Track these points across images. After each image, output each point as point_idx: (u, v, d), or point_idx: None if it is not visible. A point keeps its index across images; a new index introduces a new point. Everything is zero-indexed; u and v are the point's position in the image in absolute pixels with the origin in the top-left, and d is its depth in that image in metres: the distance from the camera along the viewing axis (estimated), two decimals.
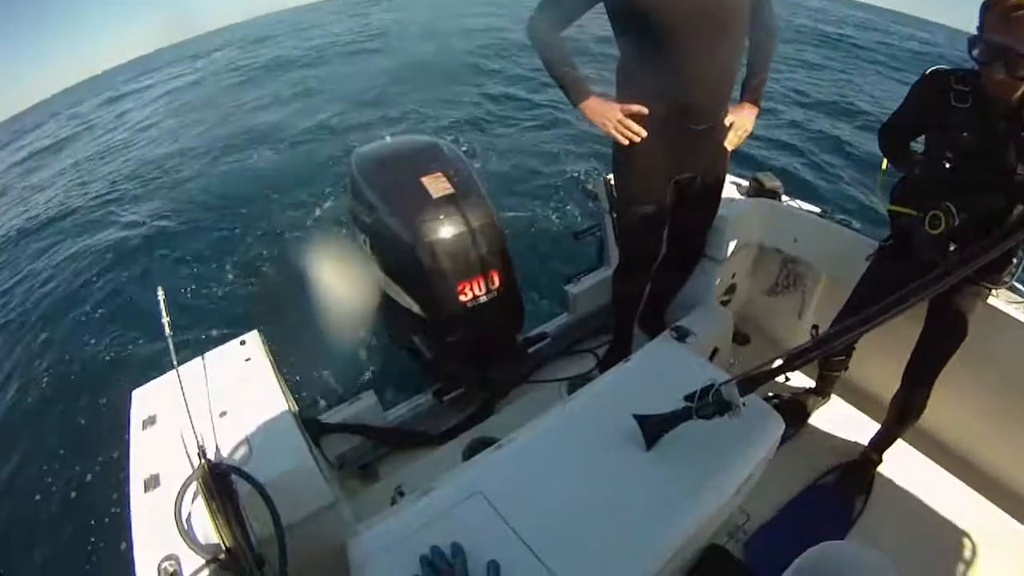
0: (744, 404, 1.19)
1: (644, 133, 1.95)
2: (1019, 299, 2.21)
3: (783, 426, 1.44)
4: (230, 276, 5.37)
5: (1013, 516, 2.16)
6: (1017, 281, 2.10)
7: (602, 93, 1.98)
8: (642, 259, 2.33)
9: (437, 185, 2.21)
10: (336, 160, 7.31)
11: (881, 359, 2.15)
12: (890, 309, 1.22)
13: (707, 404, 1.22)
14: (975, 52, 1.72)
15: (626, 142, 1.97)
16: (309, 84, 13.93)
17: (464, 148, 7.86)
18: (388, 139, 2.61)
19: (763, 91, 2.14)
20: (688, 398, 1.25)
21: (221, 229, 6.33)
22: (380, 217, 2.22)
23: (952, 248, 1.80)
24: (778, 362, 1.26)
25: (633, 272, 2.38)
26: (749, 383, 1.23)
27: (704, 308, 2.52)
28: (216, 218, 6.70)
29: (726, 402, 1.19)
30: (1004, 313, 2.14)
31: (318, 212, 6.19)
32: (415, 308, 2.24)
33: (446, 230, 2.14)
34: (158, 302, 1.56)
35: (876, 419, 2.31)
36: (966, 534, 2.08)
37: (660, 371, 1.46)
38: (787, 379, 2.58)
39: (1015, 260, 2.00)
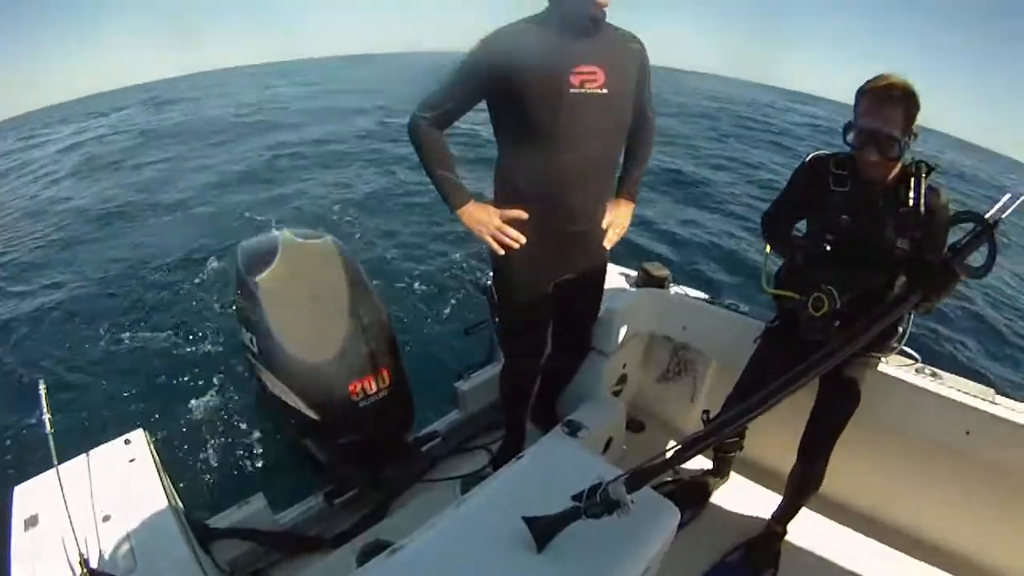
0: (632, 502, 1.17)
1: (523, 239, 1.96)
2: (909, 361, 2.32)
3: (678, 515, 1.42)
4: (117, 368, 5.03)
5: (925, 561, 2.28)
6: (907, 344, 2.23)
7: (480, 196, 2.00)
8: (526, 358, 2.32)
9: None
10: (221, 249, 7.10)
11: (777, 433, 2.20)
12: (777, 393, 1.24)
13: (595, 504, 1.19)
14: (849, 138, 1.87)
15: (502, 251, 1.97)
16: (204, 155, 13.71)
17: (356, 234, 7.89)
18: (275, 232, 2.54)
19: (638, 188, 2.21)
20: (576, 497, 1.22)
21: (112, 312, 6.01)
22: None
23: (837, 326, 1.86)
24: (670, 453, 1.26)
25: (519, 370, 2.37)
26: (639, 477, 1.22)
27: (595, 400, 2.54)
28: (106, 298, 6.37)
29: (614, 501, 1.17)
30: (894, 378, 2.25)
31: (216, 305, 5.96)
32: (305, 410, 2.14)
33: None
34: (39, 397, 1.51)
35: (777, 492, 2.33)
36: None
37: (551, 469, 1.44)
38: (676, 471, 2.58)
39: (900, 329, 2.14)
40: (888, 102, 1.81)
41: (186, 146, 15.11)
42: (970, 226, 1.50)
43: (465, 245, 7.05)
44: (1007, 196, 1.62)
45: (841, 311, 1.84)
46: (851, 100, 1.92)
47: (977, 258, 1.49)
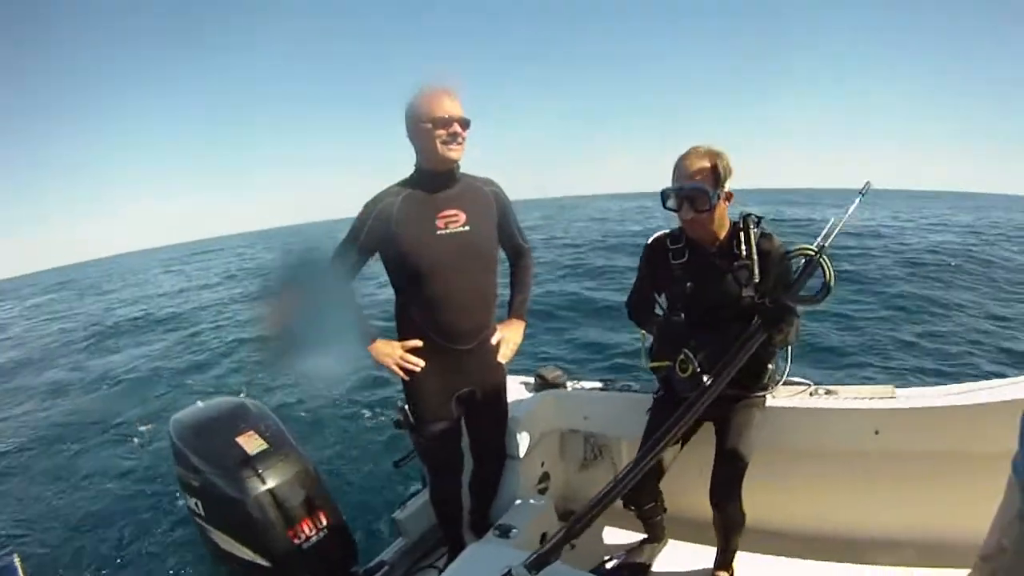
0: None
1: (422, 363, 2.25)
2: (801, 388, 2.52)
3: None
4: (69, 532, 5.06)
5: (871, 564, 2.38)
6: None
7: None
8: (446, 472, 2.53)
9: (251, 443, 2.36)
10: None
11: (695, 486, 2.28)
12: (650, 451, 1.44)
13: None
14: (668, 204, 2.12)
15: (407, 377, 2.27)
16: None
17: (276, 388, 7.96)
18: (200, 403, 2.73)
19: (526, 307, 2.53)
20: None
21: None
22: (207, 479, 2.32)
23: (708, 381, 1.95)
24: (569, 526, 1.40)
25: (442, 485, 2.57)
26: (542, 558, 1.33)
27: (521, 502, 2.67)
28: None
29: None
30: (791, 408, 2.44)
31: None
32: (258, 559, 2.28)
33: (268, 483, 2.27)
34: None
35: (713, 542, 2.40)
36: None
37: (477, 571, 1.54)
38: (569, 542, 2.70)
39: (771, 366, 2.29)
40: (695, 161, 2.08)
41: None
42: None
43: (378, 384, 7.28)
44: (829, 224, 1.90)
45: (708, 365, 1.95)
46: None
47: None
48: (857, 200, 1.96)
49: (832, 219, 1.92)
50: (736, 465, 2.18)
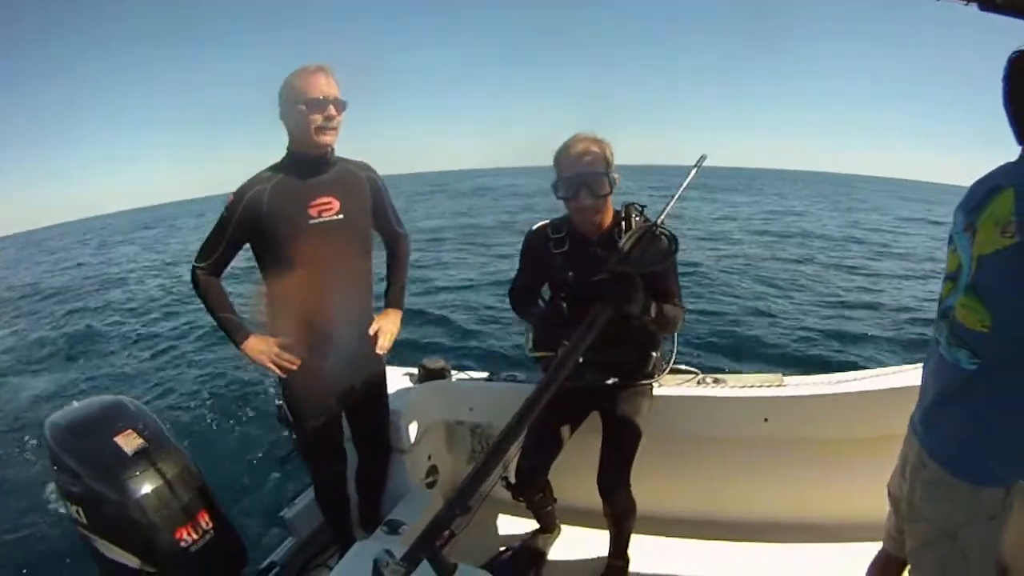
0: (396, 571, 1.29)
1: (298, 361, 2.21)
2: (688, 377, 2.61)
3: None
4: None
5: (762, 541, 2.53)
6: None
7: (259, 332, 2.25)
8: (329, 467, 2.49)
9: (130, 442, 2.22)
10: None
11: (589, 475, 2.29)
12: (514, 428, 1.45)
13: None
14: (560, 193, 2.12)
15: (284, 374, 2.23)
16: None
17: (154, 385, 7.65)
18: (75, 403, 2.56)
19: (404, 295, 2.50)
20: None
21: None
22: (86, 483, 2.17)
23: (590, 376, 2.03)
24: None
25: (326, 481, 2.54)
26: (414, 550, 1.32)
27: (409, 496, 2.67)
28: None
29: None
30: (679, 396, 2.52)
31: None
32: (144, 567, 2.16)
33: (147, 484, 2.15)
34: None
35: (606, 531, 2.44)
36: None
37: (365, 569, 1.57)
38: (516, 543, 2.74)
39: (654, 353, 2.33)
40: (587, 146, 2.11)
41: None
42: None
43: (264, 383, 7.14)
44: (669, 201, 1.95)
45: (590, 356, 1.87)
46: None
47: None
48: (693, 172, 2.00)
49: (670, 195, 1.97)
50: (623, 453, 2.23)
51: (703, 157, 2.06)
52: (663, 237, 1.85)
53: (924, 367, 1.53)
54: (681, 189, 1.96)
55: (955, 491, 1.34)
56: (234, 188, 2.16)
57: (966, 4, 1.94)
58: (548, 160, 2.20)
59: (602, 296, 1.71)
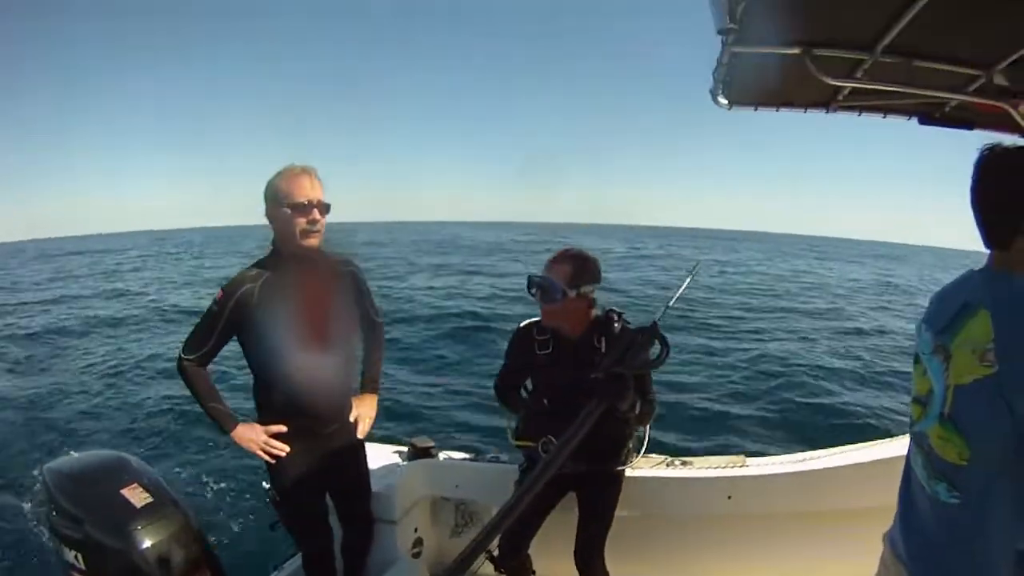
0: None
1: (287, 449, 2.33)
2: (659, 459, 2.74)
3: None
4: None
5: None
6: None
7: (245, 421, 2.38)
8: (314, 542, 2.58)
9: (136, 495, 2.31)
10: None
11: (563, 549, 2.45)
12: (496, 525, 1.59)
13: None
14: (531, 291, 2.33)
15: (272, 460, 2.34)
16: None
17: (154, 443, 7.67)
18: (74, 454, 2.67)
19: (379, 380, 2.64)
20: None
21: None
22: (88, 531, 2.24)
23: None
24: None
25: (311, 555, 2.62)
26: None
27: (396, 567, 2.76)
28: None
29: None
30: (650, 477, 2.64)
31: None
32: None
33: (154, 536, 2.23)
34: None
35: None
36: None
37: None
38: None
39: (630, 444, 2.50)
40: (559, 259, 2.34)
41: None
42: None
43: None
44: (663, 308, 2.13)
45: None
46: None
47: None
48: (688, 279, 2.24)
49: (670, 296, 2.17)
50: (597, 533, 2.41)
51: (698, 263, 2.28)
52: (656, 340, 2.00)
53: (901, 488, 1.45)
54: (678, 294, 2.17)
55: None
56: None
57: (908, 119, 2.20)
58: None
59: (595, 393, 1.87)
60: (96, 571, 2.29)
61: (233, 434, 2.32)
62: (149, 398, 9.57)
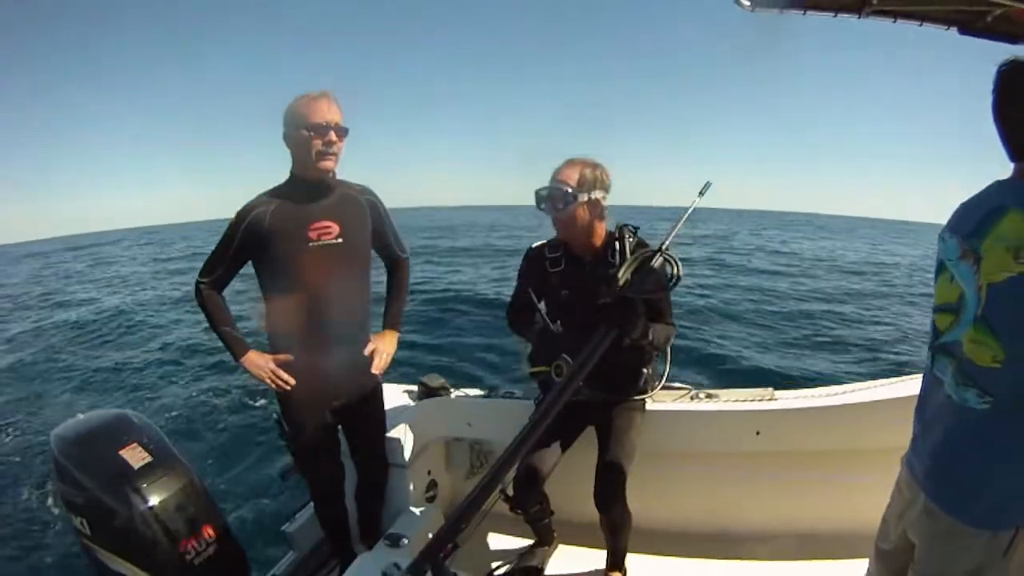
0: None
1: (292, 382, 2.28)
2: (681, 392, 2.63)
3: None
4: None
5: (755, 559, 2.52)
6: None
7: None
8: (327, 483, 2.54)
9: (135, 455, 2.26)
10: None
11: (580, 490, 2.35)
12: (520, 444, 1.50)
13: None
14: (540, 206, 2.24)
15: (278, 388, 2.30)
16: None
17: (157, 400, 7.68)
18: (80, 416, 2.60)
19: (401, 317, 2.56)
20: None
21: None
22: (92, 495, 2.20)
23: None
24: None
25: (324, 495, 2.58)
26: (419, 563, 1.35)
27: (410, 511, 2.67)
28: None
29: None
30: (673, 411, 2.54)
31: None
32: None
33: (153, 497, 2.19)
34: None
35: (603, 544, 2.48)
36: None
37: None
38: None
39: (646, 370, 2.39)
40: (565, 167, 2.24)
41: None
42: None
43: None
44: (672, 227, 2.02)
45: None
46: None
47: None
48: (697, 199, 2.09)
49: (674, 220, 2.04)
50: (618, 467, 2.27)
51: (707, 184, 2.13)
52: (667, 262, 1.91)
53: (917, 410, 1.45)
54: (686, 215, 2.04)
55: (971, 540, 1.25)
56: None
57: (947, 29, 2.02)
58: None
59: (605, 319, 1.77)
60: (100, 536, 2.24)
61: (243, 360, 2.30)
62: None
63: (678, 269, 1.88)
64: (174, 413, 7.19)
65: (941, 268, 1.33)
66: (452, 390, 3.07)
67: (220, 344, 2.35)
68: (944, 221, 1.37)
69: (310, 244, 2.21)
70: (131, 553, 2.19)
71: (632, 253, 2.16)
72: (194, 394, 7.86)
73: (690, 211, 2.08)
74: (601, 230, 2.32)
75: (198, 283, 2.30)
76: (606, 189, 2.28)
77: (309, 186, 2.26)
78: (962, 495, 1.27)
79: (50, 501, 5.10)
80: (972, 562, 1.26)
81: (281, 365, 2.29)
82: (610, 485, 2.27)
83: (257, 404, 6.99)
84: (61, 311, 16.08)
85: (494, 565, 2.69)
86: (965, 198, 1.34)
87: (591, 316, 1.86)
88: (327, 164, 2.22)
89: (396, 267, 2.60)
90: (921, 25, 2.08)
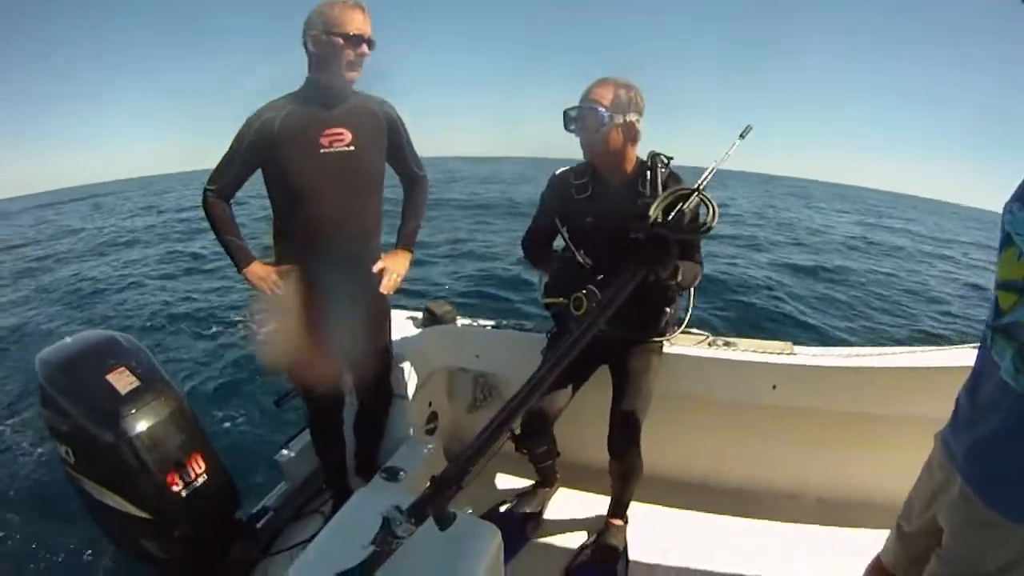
0: (409, 533, 1.25)
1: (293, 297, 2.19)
2: (699, 338, 2.54)
3: (498, 533, 1.49)
4: None
5: (760, 518, 2.50)
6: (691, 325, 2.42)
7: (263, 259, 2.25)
8: (326, 411, 2.48)
9: (122, 380, 2.16)
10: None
11: (590, 432, 2.29)
12: (536, 387, 1.39)
13: (388, 540, 1.26)
14: (569, 127, 2.12)
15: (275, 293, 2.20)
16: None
17: (148, 323, 7.68)
18: (68, 339, 2.49)
19: (415, 238, 2.43)
20: (374, 541, 1.24)
21: None
22: (77, 422, 2.11)
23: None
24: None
25: (323, 423, 2.51)
26: (421, 504, 1.25)
27: (408, 443, 2.62)
28: None
29: (396, 534, 1.22)
30: (689, 356, 2.46)
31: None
32: (134, 511, 2.11)
33: (140, 424, 2.09)
34: None
35: (607, 488, 2.42)
36: (727, 555, 2.33)
37: (365, 518, 1.50)
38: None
39: (668, 310, 2.27)
40: (598, 85, 2.09)
41: None
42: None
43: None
44: (710, 168, 1.91)
45: None
46: None
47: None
48: (736, 142, 1.96)
49: (712, 162, 1.93)
50: (634, 414, 2.18)
51: (748, 127, 2.00)
52: (703, 203, 1.78)
53: (967, 389, 1.32)
54: (724, 156, 1.92)
55: (1009, 534, 1.17)
56: None
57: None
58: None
59: (635, 256, 1.66)
60: (85, 465, 2.16)
61: (246, 271, 2.21)
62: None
63: (714, 212, 1.75)
64: (162, 338, 7.16)
65: (1007, 241, 1.19)
66: (459, 319, 2.96)
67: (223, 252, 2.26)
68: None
69: (321, 151, 2.11)
70: (117, 483, 2.11)
71: (664, 185, 2.06)
72: (185, 321, 7.82)
73: (730, 151, 1.95)
74: (632, 156, 2.17)
75: (205, 190, 2.20)
76: (640, 112, 2.12)
77: (326, 93, 2.14)
78: (1006, 489, 1.17)
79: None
80: (1006, 556, 1.17)
81: (285, 275, 2.21)
82: (625, 431, 2.17)
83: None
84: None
85: (493, 503, 2.65)
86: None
87: (618, 247, 1.73)
88: (354, 75, 2.12)
89: (413, 184, 2.48)
90: None
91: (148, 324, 7.87)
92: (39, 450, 4.74)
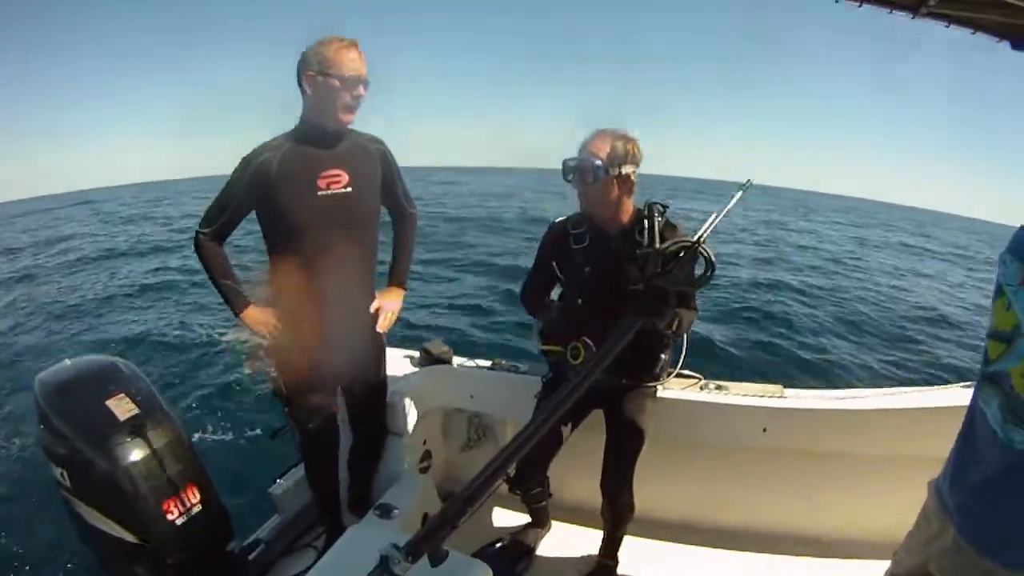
0: (405, 571, 1.26)
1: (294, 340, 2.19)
2: (692, 381, 2.57)
3: (489, 571, 1.50)
4: None
5: (752, 551, 2.51)
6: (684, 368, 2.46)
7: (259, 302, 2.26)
8: (321, 446, 2.48)
9: (121, 407, 2.16)
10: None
11: (585, 473, 2.30)
12: (534, 433, 1.41)
13: None
14: (567, 177, 2.12)
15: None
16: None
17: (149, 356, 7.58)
18: (68, 362, 2.50)
19: (407, 275, 2.47)
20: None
21: None
22: (74, 446, 2.11)
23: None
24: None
25: (317, 460, 2.52)
26: (420, 543, 1.27)
27: (402, 481, 2.62)
28: None
29: (393, 572, 1.25)
30: (682, 400, 2.47)
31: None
32: (128, 537, 2.10)
33: (137, 452, 2.10)
34: None
35: (599, 528, 2.44)
36: None
37: (358, 555, 1.51)
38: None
39: (663, 356, 2.29)
40: (596, 139, 2.10)
41: None
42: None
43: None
44: (710, 218, 1.93)
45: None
46: None
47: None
48: (738, 194, 1.98)
49: (713, 213, 1.95)
50: (628, 457, 2.21)
51: (748, 182, 2.03)
52: (700, 256, 1.80)
53: (963, 436, 1.32)
54: (725, 210, 1.93)
55: None
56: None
57: (998, 41, 1.89)
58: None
59: (634, 307, 1.69)
60: (80, 489, 2.15)
61: (243, 315, 2.22)
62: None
63: (712, 265, 1.79)
64: (163, 367, 7.11)
65: (999, 292, 1.21)
66: (455, 359, 2.98)
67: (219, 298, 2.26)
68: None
69: (319, 193, 2.12)
70: (111, 509, 2.10)
71: (661, 235, 2.08)
72: (184, 354, 7.78)
73: (729, 207, 1.96)
74: (629, 206, 2.20)
75: (198, 233, 2.18)
76: (637, 163, 2.15)
77: (322, 134, 2.15)
78: (995, 533, 1.19)
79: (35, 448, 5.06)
80: None
81: (280, 324, 2.22)
82: (618, 472, 2.22)
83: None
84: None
85: (485, 541, 2.65)
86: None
87: (615, 296, 1.78)
88: (350, 117, 2.14)
89: (403, 221, 2.50)
90: (974, 33, 1.96)
91: (140, 344, 7.94)
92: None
